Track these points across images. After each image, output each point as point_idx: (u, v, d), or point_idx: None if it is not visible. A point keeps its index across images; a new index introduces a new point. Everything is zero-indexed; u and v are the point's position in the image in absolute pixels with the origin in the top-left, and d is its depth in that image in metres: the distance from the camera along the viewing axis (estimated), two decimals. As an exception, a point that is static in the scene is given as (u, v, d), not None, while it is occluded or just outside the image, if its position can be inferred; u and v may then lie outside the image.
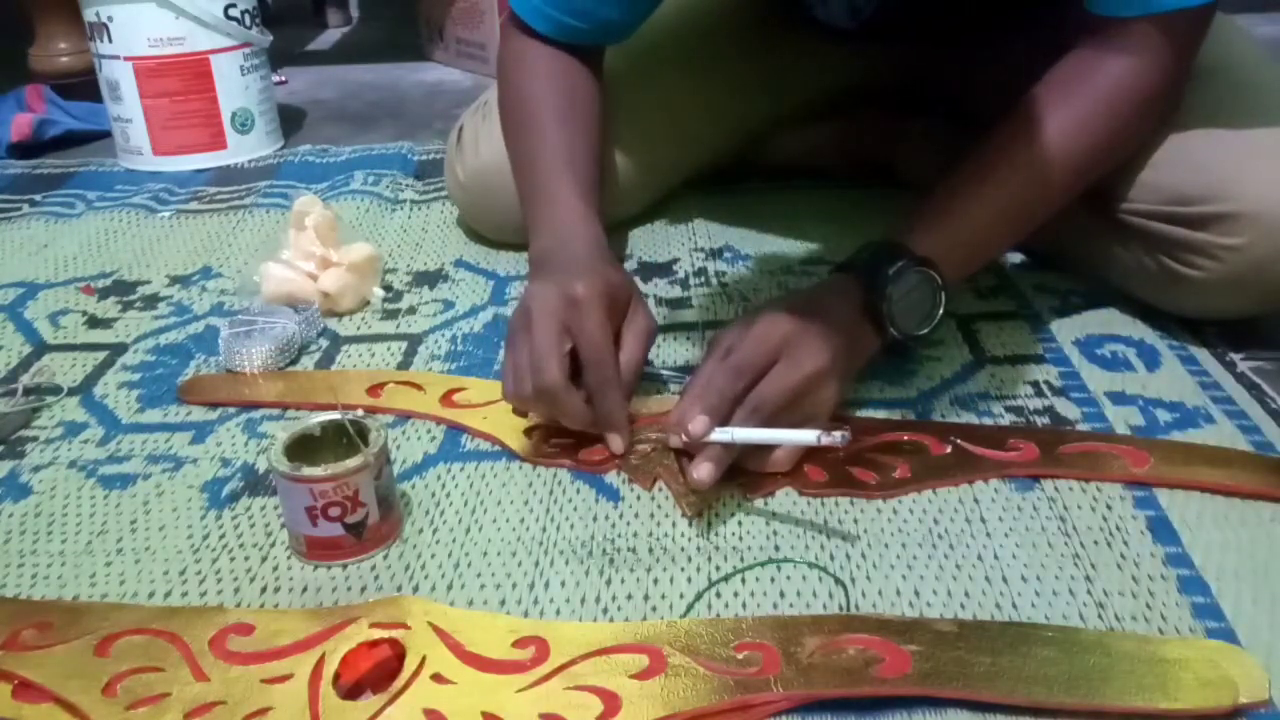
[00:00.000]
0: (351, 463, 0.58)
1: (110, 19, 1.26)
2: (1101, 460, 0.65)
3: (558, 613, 0.56)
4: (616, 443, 0.65)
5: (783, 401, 0.62)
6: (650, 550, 0.60)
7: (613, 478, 0.66)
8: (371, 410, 0.73)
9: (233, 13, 1.28)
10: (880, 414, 0.71)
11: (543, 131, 0.81)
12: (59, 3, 1.48)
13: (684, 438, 0.60)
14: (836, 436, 0.57)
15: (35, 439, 0.73)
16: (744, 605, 0.55)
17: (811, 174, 1.12)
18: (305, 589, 0.58)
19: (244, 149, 1.34)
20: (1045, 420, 0.70)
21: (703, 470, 0.60)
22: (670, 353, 0.81)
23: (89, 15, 1.28)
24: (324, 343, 0.85)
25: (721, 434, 0.60)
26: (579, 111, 0.83)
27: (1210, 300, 0.76)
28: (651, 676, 0.50)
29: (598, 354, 0.64)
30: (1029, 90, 0.73)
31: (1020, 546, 0.59)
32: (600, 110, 0.86)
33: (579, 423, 0.65)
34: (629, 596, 0.56)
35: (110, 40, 1.27)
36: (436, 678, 0.50)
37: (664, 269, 0.96)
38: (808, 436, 0.58)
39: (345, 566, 0.60)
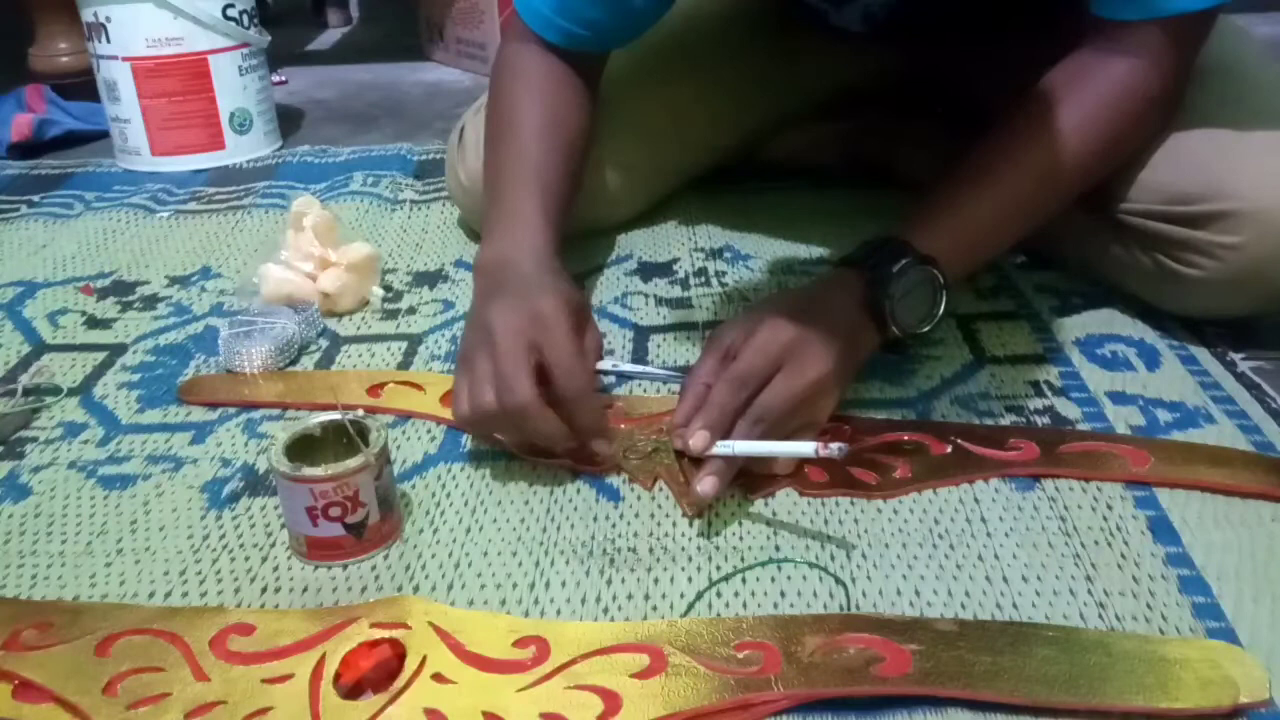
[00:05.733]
0: (352, 463, 0.58)
1: (108, 19, 1.26)
2: (1102, 460, 0.65)
3: (558, 612, 0.56)
4: (605, 447, 0.65)
5: (785, 411, 0.62)
6: (650, 550, 0.60)
7: (613, 478, 0.66)
8: (371, 410, 0.73)
9: (231, 13, 1.28)
10: (880, 414, 0.71)
11: (519, 143, 0.80)
12: (59, 3, 1.47)
13: (686, 450, 0.61)
14: (834, 449, 0.57)
15: (35, 439, 0.73)
16: (744, 605, 0.55)
17: (811, 174, 1.12)
18: (306, 589, 0.58)
19: (242, 149, 1.34)
20: (1045, 420, 0.70)
21: (706, 484, 0.60)
22: (670, 353, 0.81)
23: (87, 15, 1.28)
24: (324, 343, 0.85)
25: (723, 447, 0.60)
26: (561, 129, 0.82)
27: (1209, 299, 0.76)
28: (652, 676, 0.50)
29: (570, 364, 0.63)
30: (1032, 90, 0.73)
31: (1021, 546, 0.59)
32: (586, 129, 0.85)
33: (549, 439, 0.63)
34: (629, 596, 0.56)
35: (108, 40, 1.27)
36: (437, 677, 0.50)
37: (664, 269, 0.96)
38: (805, 449, 0.59)
39: (345, 566, 0.60)
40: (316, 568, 0.60)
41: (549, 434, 0.63)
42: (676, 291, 0.91)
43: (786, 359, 0.63)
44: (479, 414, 0.63)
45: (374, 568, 0.60)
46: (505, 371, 0.61)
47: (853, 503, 0.63)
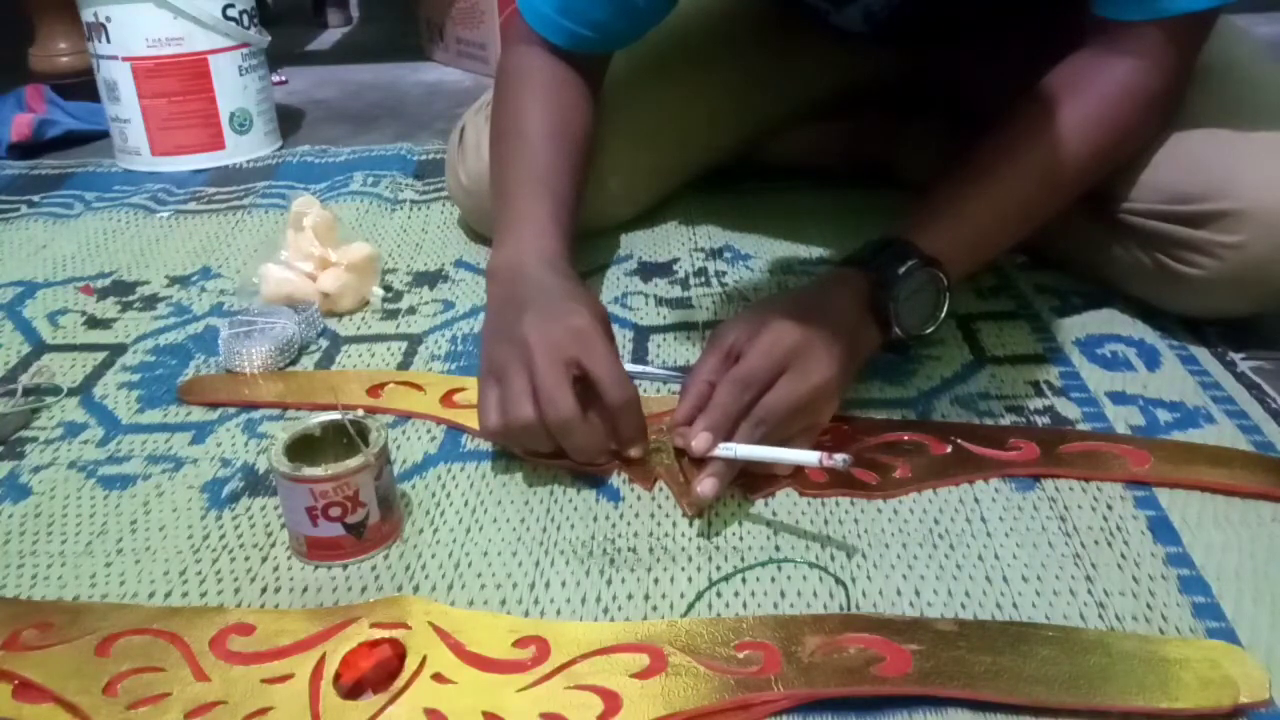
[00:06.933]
0: (352, 463, 0.58)
1: (108, 19, 1.26)
2: (1102, 460, 0.65)
3: (558, 613, 0.56)
4: (640, 451, 0.65)
5: (788, 415, 0.62)
6: (650, 550, 0.60)
7: (613, 478, 0.66)
8: (371, 410, 0.73)
9: (231, 13, 1.28)
10: (880, 414, 0.71)
11: (527, 147, 0.80)
12: (59, 3, 1.48)
13: (688, 451, 0.61)
14: (838, 460, 0.57)
15: (35, 439, 0.73)
16: (744, 605, 0.55)
17: (811, 174, 1.12)
18: (306, 589, 0.58)
19: (242, 149, 1.34)
20: (1046, 420, 0.70)
21: (706, 485, 0.60)
22: (670, 353, 0.81)
23: (87, 15, 1.28)
24: (324, 343, 0.85)
25: (725, 450, 0.60)
26: (568, 132, 0.82)
27: (1210, 299, 0.76)
28: (652, 676, 0.50)
29: (616, 375, 0.63)
30: (1033, 89, 0.73)
31: (1021, 546, 0.59)
32: (591, 131, 0.85)
33: (589, 452, 0.63)
34: (629, 596, 0.56)
35: (108, 40, 1.27)
36: (437, 677, 0.50)
37: (664, 269, 0.96)
38: (810, 458, 0.59)
39: (345, 566, 0.60)
40: (316, 568, 0.60)
41: (590, 447, 0.63)
42: (676, 291, 0.91)
43: (791, 362, 0.63)
44: (514, 427, 0.62)
45: (374, 568, 0.60)
46: (548, 387, 0.61)
47: (853, 503, 0.63)
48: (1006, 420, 0.70)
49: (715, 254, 0.98)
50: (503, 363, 0.63)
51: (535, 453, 0.66)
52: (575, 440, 0.62)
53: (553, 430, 0.62)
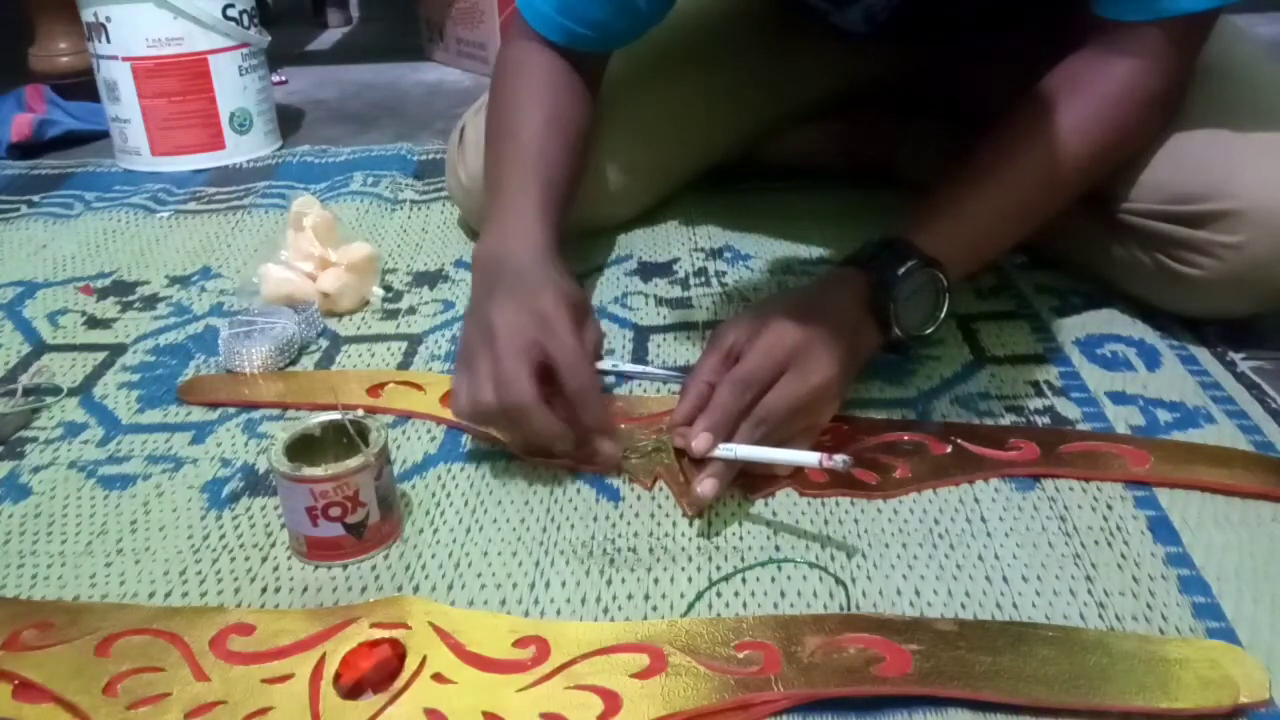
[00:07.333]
0: (352, 463, 0.58)
1: (108, 19, 1.26)
2: (1102, 460, 0.65)
3: (558, 612, 0.56)
4: (609, 446, 0.65)
5: (788, 415, 0.62)
6: (650, 550, 0.60)
7: (613, 478, 0.66)
8: (371, 410, 0.73)
9: (231, 13, 1.28)
10: (880, 414, 0.71)
11: (519, 140, 0.80)
12: (59, 3, 1.48)
13: (688, 451, 0.61)
14: (838, 461, 0.57)
15: (35, 439, 0.73)
16: (744, 605, 0.55)
17: (811, 174, 1.12)
18: (306, 589, 0.58)
19: (242, 149, 1.34)
20: (1046, 420, 0.70)
21: (706, 486, 0.60)
22: (670, 353, 0.81)
23: (87, 15, 1.28)
24: (324, 343, 0.85)
25: (725, 450, 0.60)
26: (562, 126, 0.82)
27: (1210, 299, 0.76)
28: (652, 676, 0.50)
29: (574, 360, 0.63)
30: (1033, 90, 0.73)
31: (1020, 546, 0.59)
32: (587, 128, 0.85)
33: (548, 439, 0.63)
34: (629, 596, 0.56)
35: (108, 40, 1.27)
36: (437, 677, 0.50)
37: (664, 269, 0.96)
38: (810, 459, 0.59)
39: (345, 566, 0.60)
40: (316, 568, 0.60)
41: (548, 433, 0.63)
42: (676, 291, 0.91)
43: (791, 362, 0.63)
44: (478, 411, 0.63)
45: (374, 568, 0.60)
46: (505, 370, 0.62)
47: (853, 503, 0.63)
48: (1006, 420, 0.70)
49: (715, 254, 0.98)
50: (471, 348, 0.64)
51: (534, 450, 0.66)
52: (532, 425, 0.62)
53: (508, 415, 0.62)
